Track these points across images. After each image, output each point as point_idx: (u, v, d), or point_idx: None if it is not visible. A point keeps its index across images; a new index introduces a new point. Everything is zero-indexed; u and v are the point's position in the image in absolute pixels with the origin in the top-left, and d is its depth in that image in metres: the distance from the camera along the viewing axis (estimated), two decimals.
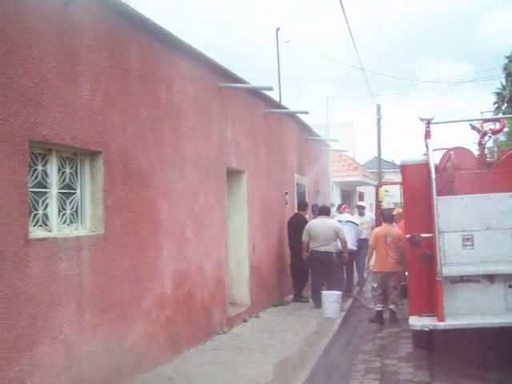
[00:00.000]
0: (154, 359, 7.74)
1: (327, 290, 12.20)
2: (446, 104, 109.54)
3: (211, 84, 9.81)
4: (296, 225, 13.28)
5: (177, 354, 8.32)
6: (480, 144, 11.28)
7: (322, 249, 12.48)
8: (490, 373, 7.70)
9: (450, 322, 7.27)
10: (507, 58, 55.70)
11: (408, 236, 8.00)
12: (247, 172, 11.43)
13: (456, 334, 8.31)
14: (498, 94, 57.26)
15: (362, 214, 16.28)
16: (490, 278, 7.60)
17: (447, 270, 7.49)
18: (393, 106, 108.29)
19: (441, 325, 7.27)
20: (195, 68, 9.19)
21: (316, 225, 12.82)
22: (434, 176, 7.39)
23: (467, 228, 7.65)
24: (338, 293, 11.70)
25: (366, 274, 15.27)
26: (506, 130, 44.84)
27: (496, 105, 56.01)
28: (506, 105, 55.03)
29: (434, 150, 12.20)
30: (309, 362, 8.16)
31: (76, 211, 6.63)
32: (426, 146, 8.18)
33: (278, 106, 13.79)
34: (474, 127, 11.13)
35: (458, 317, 7.49)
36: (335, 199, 23.17)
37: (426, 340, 8.70)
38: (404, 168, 8.22)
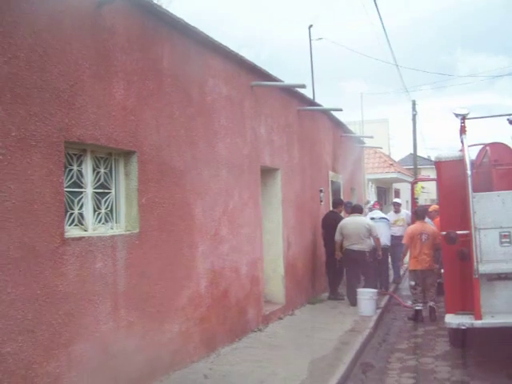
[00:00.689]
0: (189, 356, 7.81)
1: (364, 287, 12.21)
2: (485, 99, 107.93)
3: (244, 82, 9.83)
4: (330, 223, 13.24)
5: (212, 351, 8.38)
6: None
7: (355, 247, 12.48)
8: None
9: (487, 321, 7.17)
10: None
11: (444, 233, 7.91)
12: (281, 170, 11.43)
13: (493, 333, 8.21)
14: None
15: (397, 211, 16.13)
16: None
17: (484, 268, 7.39)
18: (430, 101, 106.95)
19: (478, 323, 7.17)
20: (228, 67, 9.23)
21: (348, 223, 12.78)
22: (469, 172, 7.30)
23: (505, 224, 7.54)
24: (374, 290, 11.64)
25: (401, 272, 15.18)
26: None
27: None
28: None
29: (470, 146, 12.13)
30: (344, 359, 8.13)
31: (111, 210, 6.72)
32: (462, 141, 8.08)
33: (312, 103, 13.75)
34: (511, 122, 10.94)
35: (496, 315, 7.38)
36: (370, 196, 23.00)
37: (462, 338, 8.60)
38: (439, 164, 8.12)
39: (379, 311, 11.80)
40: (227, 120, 9.15)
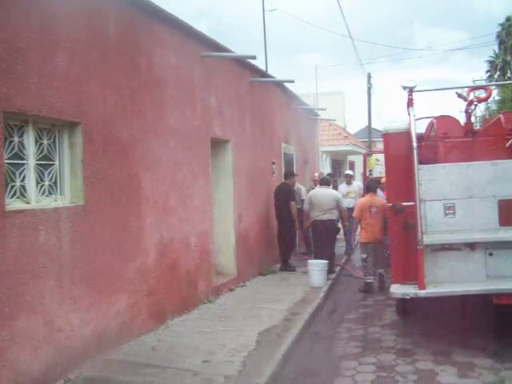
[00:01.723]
0: (138, 329, 7.79)
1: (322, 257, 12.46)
2: (440, 73, 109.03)
3: (194, 53, 9.71)
4: (282, 194, 13.31)
5: (161, 323, 8.37)
6: (467, 112, 11.24)
7: (325, 217, 12.70)
8: (472, 339, 7.78)
9: (430, 290, 7.30)
10: (500, 25, 55.45)
11: (390, 204, 8.00)
12: (232, 141, 11.38)
13: (440, 302, 8.39)
14: (490, 62, 57.12)
15: (349, 182, 16.28)
16: (471, 246, 7.60)
17: (429, 239, 7.49)
18: (386, 74, 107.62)
19: (421, 293, 7.28)
20: (177, 37, 9.10)
21: (318, 194, 13.01)
22: (415, 144, 7.34)
23: (449, 196, 7.64)
24: (325, 261, 11.75)
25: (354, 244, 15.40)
26: (497, 98, 44.91)
27: (488, 73, 55.86)
28: (498, 73, 54.92)
29: (419, 119, 12.24)
30: (292, 330, 8.22)
31: (55, 183, 6.59)
32: (409, 114, 8.13)
33: (264, 75, 13.67)
34: (460, 95, 11.06)
35: (440, 285, 7.51)
36: (324, 168, 23.14)
37: (409, 308, 8.77)
38: (386, 137, 8.14)
39: (330, 282, 11.94)
40: (176, 91, 9.05)
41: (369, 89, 30.91)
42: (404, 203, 7.59)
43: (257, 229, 12.83)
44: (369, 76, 31.09)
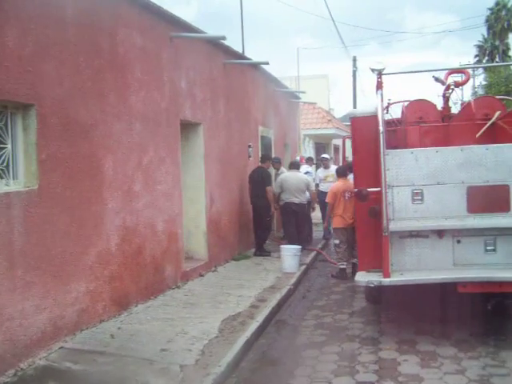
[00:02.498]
0: (98, 315, 7.62)
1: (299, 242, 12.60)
2: (431, 56, 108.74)
3: (162, 34, 9.46)
4: (257, 178, 13.14)
5: (124, 309, 8.20)
6: (444, 97, 11.09)
7: (296, 200, 13.09)
8: (439, 328, 7.70)
9: (395, 278, 7.16)
10: (490, 9, 55.41)
11: (356, 190, 7.84)
12: (204, 124, 11.15)
13: (412, 289, 8.25)
14: (479, 46, 57.20)
15: (326, 166, 16.13)
16: (439, 233, 7.46)
17: (395, 226, 7.35)
18: (376, 58, 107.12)
19: (386, 281, 7.15)
20: (143, 17, 8.85)
21: (289, 178, 13.23)
22: (381, 128, 7.16)
23: (417, 182, 7.48)
24: (297, 247, 11.62)
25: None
26: (484, 83, 44.79)
27: (477, 58, 55.90)
28: (486, 58, 54.99)
29: (396, 103, 12.06)
30: (257, 317, 8.09)
31: (7, 167, 6.37)
32: (378, 97, 7.96)
33: (240, 56, 13.39)
34: (437, 79, 10.89)
35: (406, 272, 7.38)
36: (307, 152, 22.96)
37: (378, 295, 8.64)
38: (353, 121, 7.96)
39: (303, 268, 11.82)
40: (142, 72, 8.81)
41: (354, 72, 30.68)
42: (369, 189, 7.42)
43: (230, 213, 12.65)
44: (354, 59, 30.84)
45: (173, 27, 9.72)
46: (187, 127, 10.72)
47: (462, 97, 21.87)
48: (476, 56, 56.46)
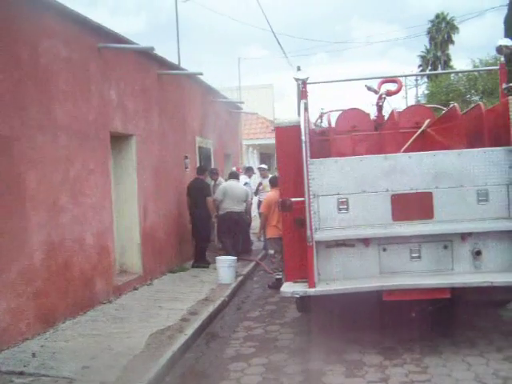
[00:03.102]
0: (21, 334, 7.42)
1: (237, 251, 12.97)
2: (379, 66, 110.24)
3: (89, 44, 9.33)
4: (195, 190, 13.08)
5: (50, 326, 8.01)
6: (377, 105, 11.22)
7: (237, 209, 13.41)
8: (368, 336, 7.72)
9: (320, 288, 7.15)
10: (431, 22, 56.69)
11: (280, 200, 7.81)
12: (136, 136, 11.01)
13: (343, 298, 8.24)
14: (422, 57, 58.36)
15: (264, 176, 16.21)
16: (366, 241, 7.49)
17: (321, 235, 7.35)
18: (324, 68, 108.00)
19: (311, 291, 7.13)
20: (68, 28, 8.71)
21: (232, 187, 13.54)
22: (303, 138, 7.15)
23: (342, 191, 7.50)
24: (233, 258, 11.58)
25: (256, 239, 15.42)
26: (426, 92, 45.61)
27: (421, 68, 57.03)
28: (430, 68, 56.13)
29: (329, 112, 12.15)
30: (186, 330, 8.00)
31: None
32: (302, 106, 7.98)
33: (175, 67, 13.29)
34: (369, 88, 11.01)
35: (333, 282, 7.38)
36: (251, 162, 22.94)
37: (309, 305, 8.61)
38: (278, 130, 7.93)
39: (240, 278, 11.77)
40: (68, 84, 8.66)
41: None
42: (293, 199, 7.40)
43: (166, 225, 12.52)
44: (298, 69, 30.87)
45: (101, 38, 9.60)
46: (119, 139, 10.58)
47: (398, 105, 22.10)
48: (420, 66, 57.61)
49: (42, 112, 8.00)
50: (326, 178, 7.52)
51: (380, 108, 11.22)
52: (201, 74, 13.04)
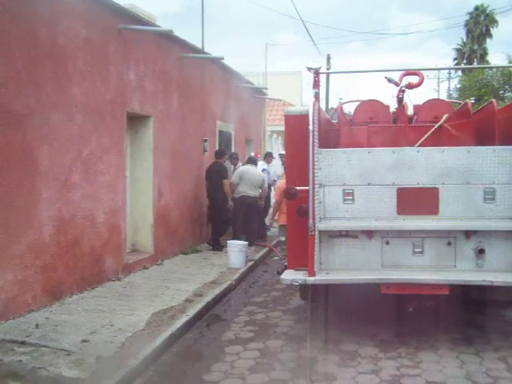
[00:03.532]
0: (27, 305, 7.63)
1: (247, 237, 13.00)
2: (413, 58, 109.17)
3: (109, 25, 9.45)
4: (213, 173, 13.21)
5: (57, 299, 8.22)
6: (398, 98, 11.18)
7: (252, 194, 13.52)
8: (367, 328, 7.77)
9: (319, 277, 7.21)
10: (469, 14, 55.75)
11: (284, 188, 7.86)
12: (154, 117, 11.13)
13: (350, 288, 8.28)
14: (458, 50, 57.45)
15: (269, 162, 16.32)
16: (369, 233, 7.52)
17: (325, 225, 7.41)
18: (360, 57, 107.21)
19: (310, 280, 7.18)
20: (88, 8, 8.83)
21: (249, 171, 13.64)
22: (311, 127, 7.16)
23: (348, 182, 7.53)
24: (244, 242, 11.68)
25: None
26: (458, 86, 45.06)
27: (456, 61, 56.19)
28: (465, 61, 55.26)
29: (347, 102, 12.14)
30: (188, 311, 8.13)
31: None
32: (314, 95, 8.00)
33: (197, 50, 13.35)
34: (390, 80, 10.94)
35: (333, 272, 7.43)
36: (273, 148, 22.92)
37: (313, 294, 8.66)
38: (287, 118, 7.94)
39: (251, 263, 11.87)
40: (86, 63, 8.80)
41: (328, 69, 30.70)
42: (298, 187, 7.44)
43: (181, 207, 12.65)
44: (328, 57, 30.98)
45: (121, 19, 9.70)
46: (136, 119, 10.72)
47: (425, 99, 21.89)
48: (455, 59, 56.73)
49: (58, 90, 8.15)
50: (333, 168, 7.56)
51: (400, 100, 11.17)
52: (222, 58, 13.08)
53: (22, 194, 7.50)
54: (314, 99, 7.75)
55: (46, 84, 7.87)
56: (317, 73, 8.07)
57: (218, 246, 13.24)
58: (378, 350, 7.00)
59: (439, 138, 9.73)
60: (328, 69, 30.39)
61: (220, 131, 15.30)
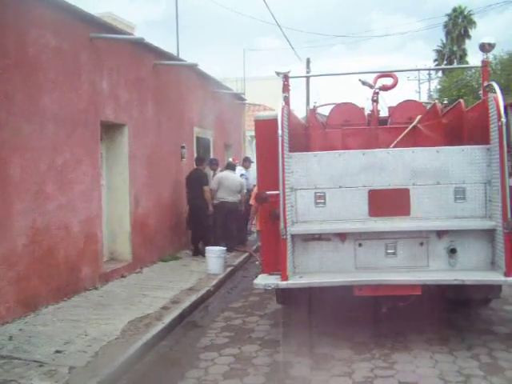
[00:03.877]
0: (1, 317, 7.58)
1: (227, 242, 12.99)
2: (396, 60, 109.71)
3: (81, 35, 9.44)
4: (193, 180, 13.23)
5: (32, 310, 8.18)
6: (372, 100, 11.26)
7: (231, 199, 13.62)
8: (343, 330, 7.78)
9: (292, 281, 7.22)
10: (448, 15, 56.20)
11: (255, 193, 7.89)
12: (129, 125, 11.13)
13: (327, 291, 8.29)
14: (438, 51, 57.87)
15: (248, 167, 16.33)
16: (342, 236, 7.55)
17: (297, 228, 7.43)
18: (341, 60, 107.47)
19: (283, 284, 7.19)
20: (58, 18, 8.82)
21: (228, 177, 13.78)
22: (280, 132, 7.19)
23: (320, 185, 7.56)
24: (222, 248, 11.68)
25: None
26: (438, 87, 45.32)
27: (436, 62, 56.55)
28: (445, 62, 55.64)
29: (323, 105, 12.21)
30: (164, 319, 8.12)
31: None
32: (284, 99, 8.07)
33: (172, 58, 13.35)
34: (364, 82, 11.03)
35: (307, 275, 7.44)
36: (253, 153, 22.89)
37: (289, 297, 8.68)
38: (257, 123, 7.97)
39: (230, 269, 11.87)
40: (57, 73, 8.79)
41: (307, 73, 30.75)
42: (269, 192, 7.47)
43: (159, 214, 12.64)
44: (308, 61, 31.02)
45: (93, 28, 9.70)
46: (111, 128, 10.71)
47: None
48: (435, 60, 57.10)
49: (28, 100, 8.13)
50: (305, 171, 7.58)
51: (376, 103, 11.27)
52: (196, 64, 13.09)
53: None
54: (283, 103, 7.82)
55: (15, 95, 7.85)
56: (285, 77, 8.15)
57: (197, 251, 13.24)
58: (353, 353, 7.01)
59: (413, 139, 9.82)
60: (308, 73, 30.43)
61: (198, 137, 15.31)
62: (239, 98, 19.81)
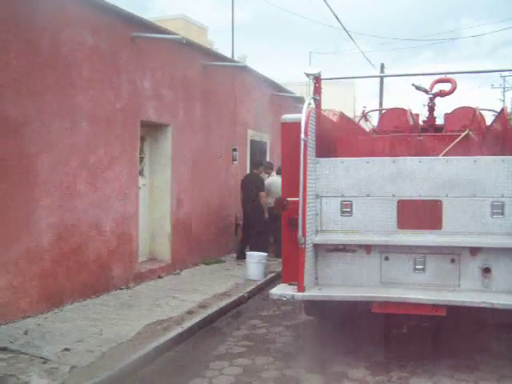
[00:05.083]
0: (22, 311, 7.67)
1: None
2: (486, 66, 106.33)
3: (121, 34, 9.45)
4: (249, 184, 13.03)
5: (56, 306, 8.23)
6: (429, 106, 10.84)
7: None
8: (362, 346, 7.39)
9: (309, 293, 6.90)
10: None
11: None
12: (173, 125, 11.08)
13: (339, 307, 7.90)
14: None
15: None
16: (367, 248, 7.18)
17: (320, 238, 7.13)
18: (427, 66, 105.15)
19: (299, 295, 6.86)
20: (96, 17, 8.86)
21: (276, 182, 12.99)
22: (303, 135, 6.88)
23: (347, 193, 7.21)
24: (263, 254, 11.46)
25: None
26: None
27: None
28: None
29: (372, 111, 11.82)
30: (184, 323, 7.98)
31: None
32: (315, 102, 7.76)
33: (222, 58, 13.21)
34: (418, 87, 10.60)
35: (327, 288, 7.11)
36: None
37: (316, 309, 8.36)
38: (283, 126, 7.67)
39: (271, 275, 11.62)
40: (93, 72, 8.82)
41: (381, 79, 30.22)
42: (291, 199, 7.17)
43: (204, 216, 12.53)
44: (382, 67, 30.38)
45: (135, 27, 9.69)
46: (154, 128, 10.69)
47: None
48: None
49: (59, 98, 8.17)
50: (331, 178, 7.27)
51: (431, 109, 10.83)
52: (244, 66, 12.95)
53: (19, 201, 7.57)
54: (311, 106, 7.51)
55: (46, 92, 7.92)
56: (317, 79, 7.85)
57: (243, 256, 13.06)
58: (369, 373, 6.59)
59: (466, 150, 9.29)
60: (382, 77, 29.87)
61: (252, 140, 15.13)
62: (302, 101, 19.50)
